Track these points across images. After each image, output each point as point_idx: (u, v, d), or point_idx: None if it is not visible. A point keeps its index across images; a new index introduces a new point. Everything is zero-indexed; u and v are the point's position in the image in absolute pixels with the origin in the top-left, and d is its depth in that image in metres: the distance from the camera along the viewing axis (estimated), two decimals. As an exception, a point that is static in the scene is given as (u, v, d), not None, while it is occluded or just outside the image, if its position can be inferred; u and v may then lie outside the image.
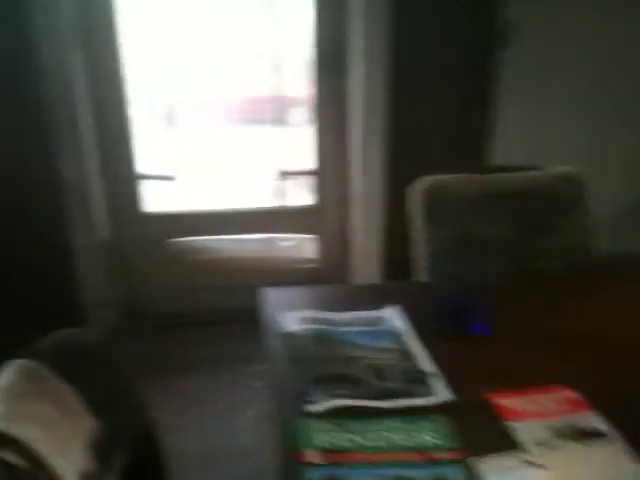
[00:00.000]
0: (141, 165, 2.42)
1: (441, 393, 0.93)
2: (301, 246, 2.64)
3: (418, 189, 1.54)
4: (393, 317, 1.17)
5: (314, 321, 1.14)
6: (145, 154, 2.42)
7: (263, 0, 2.32)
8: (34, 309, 2.26)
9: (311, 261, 2.64)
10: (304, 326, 1.12)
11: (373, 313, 1.19)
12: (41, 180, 2.21)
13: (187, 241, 2.55)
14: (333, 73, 2.36)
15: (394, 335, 1.11)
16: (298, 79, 2.45)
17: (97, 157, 2.32)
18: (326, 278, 2.64)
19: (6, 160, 2.18)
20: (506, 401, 0.90)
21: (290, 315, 1.16)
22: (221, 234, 2.57)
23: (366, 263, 2.53)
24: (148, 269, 2.52)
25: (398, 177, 2.38)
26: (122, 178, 2.40)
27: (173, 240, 2.53)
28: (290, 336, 1.10)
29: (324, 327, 1.12)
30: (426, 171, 2.41)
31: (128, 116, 2.33)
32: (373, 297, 1.27)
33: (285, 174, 2.55)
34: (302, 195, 2.64)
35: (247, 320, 2.47)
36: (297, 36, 2.36)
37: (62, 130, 2.17)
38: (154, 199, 2.49)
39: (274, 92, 2.45)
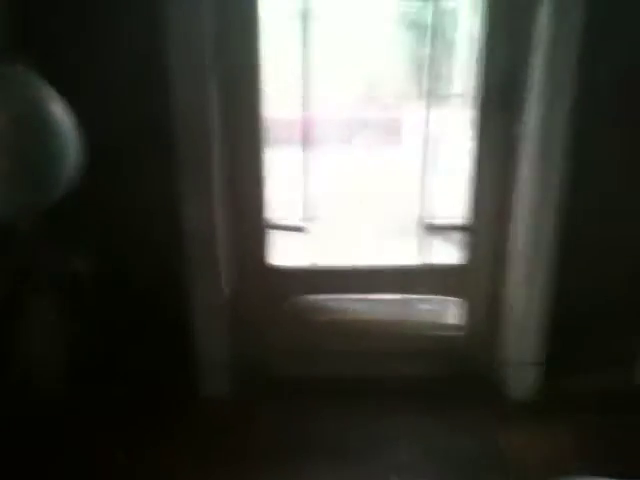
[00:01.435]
0: (270, 213, 2.15)
1: None
2: (443, 310, 2.27)
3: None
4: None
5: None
6: (275, 200, 2.15)
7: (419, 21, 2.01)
8: (147, 359, 2.07)
9: (454, 328, 2.26)
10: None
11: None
12: (164, 227, 2.00)
13: (315, 299, 2.24)
14: (500, 108, 1.98)
15: None
16: (456, 112, 2.09)
17: (223, 203, 2.07)
18: (470, 349, 2.25)
19: (127, 202, 1.98)
20: None
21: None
22: (353, 293, 2.24)
23: (522, 335, 2.13)
24: (270, 327, 2.23)
25: (573, 236, 1.99)
26: (249, 227, 2.14)
27: (299, 297, 2.23)
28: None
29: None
30: (610, 233, 1.97)
31: (262, 157, 2.07)
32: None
33: (430, 227, 2.19)
34: (446, 250, 2.27)
35: (379, 392, 2.16)
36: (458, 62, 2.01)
37: (191, 170, 1.93)
38: (281, 251, 2.20)
39: (419, 121, 2.11)
